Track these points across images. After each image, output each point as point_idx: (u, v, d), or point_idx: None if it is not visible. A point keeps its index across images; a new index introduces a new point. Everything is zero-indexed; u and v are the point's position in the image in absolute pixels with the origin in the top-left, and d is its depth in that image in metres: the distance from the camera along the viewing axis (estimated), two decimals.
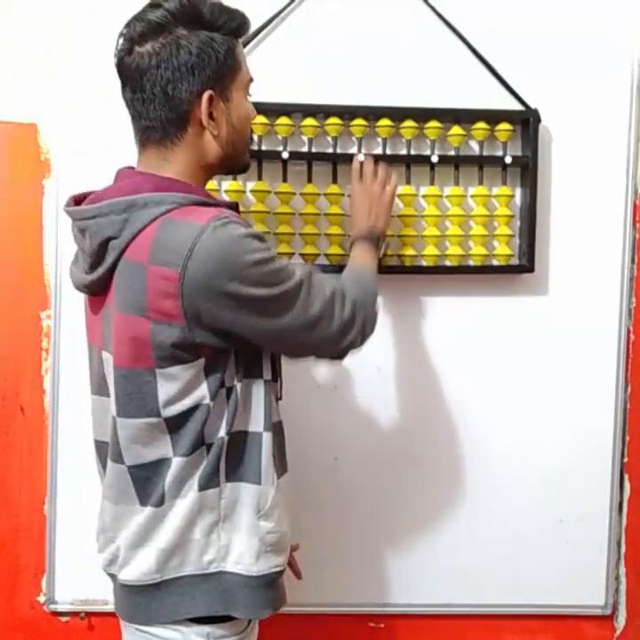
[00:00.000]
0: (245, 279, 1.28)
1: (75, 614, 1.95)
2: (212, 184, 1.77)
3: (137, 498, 1.40)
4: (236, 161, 1.47)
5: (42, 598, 1.94)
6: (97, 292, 1.40)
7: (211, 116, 1.37)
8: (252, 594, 1.42)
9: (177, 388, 1.33)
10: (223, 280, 1.27)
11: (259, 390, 1.41)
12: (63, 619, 1.95)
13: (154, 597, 1.41)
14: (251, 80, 1.44)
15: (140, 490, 1.40)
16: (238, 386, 1.37)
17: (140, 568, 1.40)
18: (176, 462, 1.37)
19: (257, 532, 1.41)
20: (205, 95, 1.35)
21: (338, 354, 1.47)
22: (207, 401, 1.34)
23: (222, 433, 1.36)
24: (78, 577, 1.91)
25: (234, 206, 1.46)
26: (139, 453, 1.38)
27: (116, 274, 1.34)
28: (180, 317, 1.28)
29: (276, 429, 1.46)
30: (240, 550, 1.41)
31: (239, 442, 1.39)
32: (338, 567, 1.97)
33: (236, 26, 1.39)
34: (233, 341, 1.34)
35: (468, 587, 2.00)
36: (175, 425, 1.35)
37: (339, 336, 1.42)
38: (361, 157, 1.79)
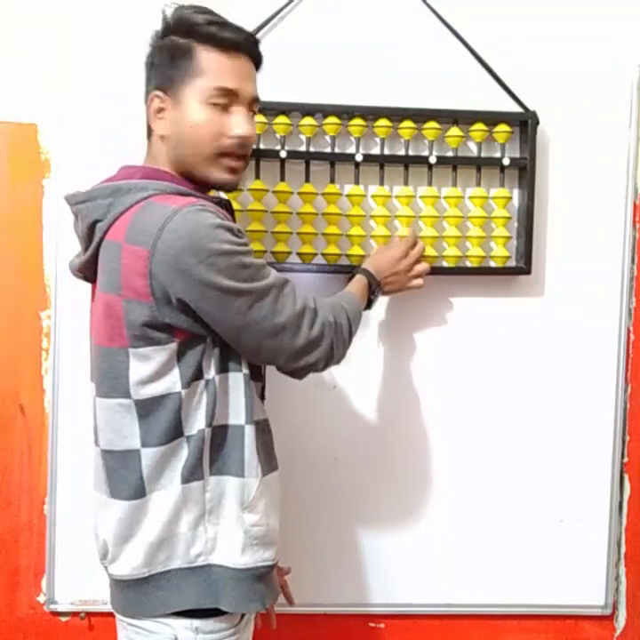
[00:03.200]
0: (212, 266, 1.30)
1: (75, 614, 1.95)
2: None
3: (107, 487, 1.43)
4: (189, 169, 1.44)
5: (42, 598, 1.94)
6: (89, 276, 1.46)
7: (158, 115, 1.44)
8: (239, 587, 1.42)
9: (149, 370, 1.35)
10: (190, 261, 1.29)
11: (237, 383, 1.41)
12: (63, 619, 1.95)
13: (142, 591, 1.42)
14: (218, 88, 1.40)
15: (109, 480, 1.42)
16: (216, 378, 1.38)
17: (128, 563, 1.41)
18: (147, 453, 1.38)
19: (242, 524, 1.42)
20: (152, 94, 1.44)
21: (295, 371, 1.45)
22: (178, 388, 1.36)
23: (202, 425, 1.38)
24: (78, 577, 1.91)
25: (224, 204, 1.47)
26: (109, 438, 1.42)
27: (99, 255, 1.39)
28: (148, 296, 1.32)
29: (261, 426, 1.46)
30: (226, 543, 1.42)
31: (221, 435, 1.41)
32: (338, 567, 1.97)
33: (203, 32, 1.41)
34: (201, 326, 1.35)
35: (467, 587, 2.00)
36: (145, 410, 1.37)
37: (299, 352, 1.41)
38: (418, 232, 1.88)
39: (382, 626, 2.02)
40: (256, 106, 1.49)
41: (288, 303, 1.38)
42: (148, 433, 1.38)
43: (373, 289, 1.70)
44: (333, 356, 1.47)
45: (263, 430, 1.47)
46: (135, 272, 1.32)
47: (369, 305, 1.71)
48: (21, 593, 1.95)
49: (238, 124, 1.42)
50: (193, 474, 1.39)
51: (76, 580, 1.92)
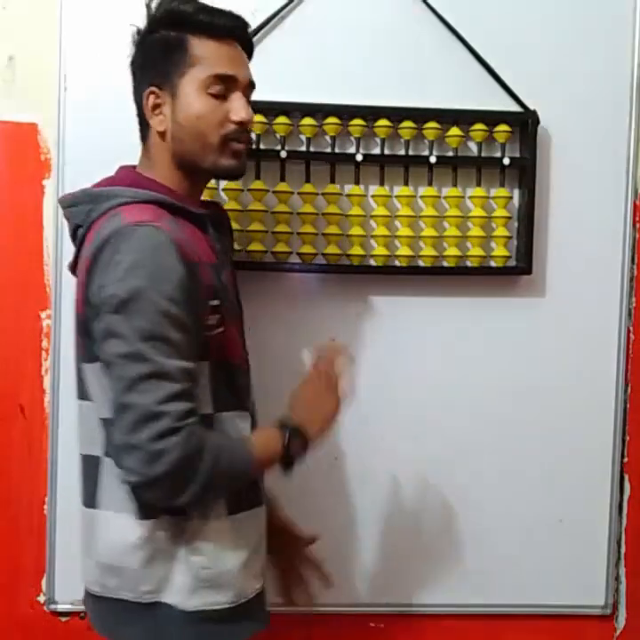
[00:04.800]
0: (110, 280, 1.27)
1: (75, 614, 1.94)
2: (210, 182, 1.78)
3: (82, 491, 1.45)
4: (194, 161, 1.42)
5: (42, 598, 1.94)
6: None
7: (155, 111, 1.42)
8: (187, 629, 1.39)
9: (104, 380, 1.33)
10: (100, 270, 1.29)
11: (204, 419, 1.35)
12: (63, 619, 1.95)
13: (98, 608, 1.45)
14: (216, 76, 1.39)
15: (83, 485, 1.44)
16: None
17: (87, 574, 1.45)
18: (106, 463, 1.36)
19: (190, 566, 1.39)
20: (147, 91, 1.42)
21: (121, 468, 1.28)
22: None
23: None
24: (78, 577, 1.88)
25: (208, 215, 1.45)
26: (82, 441, 1.44)
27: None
28: (81, 307, 1.35)
29: None
30: (177, 583, 1.39)
31: None
32: (338, 567, 1.96)
33: (194, 21, 1.40)
34: None
35: (468, 587, 2.00)
36: (108, 420, 1.33)
37: (123, 449, 1.25)
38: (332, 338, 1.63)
39: (382, 626, 2.02)
40: (251, 90, 1.48)
41: (149, 394, 1.23)
42: (108, 444, 1.36)
43: (288, 435, 1.39)
44: (173, 493, 1.27)
45: None
46: (79, 282, 1.35)
47: (289, 459, 1.40)
48: (21, 593, 1.95)
49: (238, 109, 1.41)
50: (148, 510, 1.36)
51: (76, 580, 1.89)
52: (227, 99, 1.41)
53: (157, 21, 1.42)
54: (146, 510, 1.36)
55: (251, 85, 1.46)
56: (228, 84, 1.40)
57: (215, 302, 1.36)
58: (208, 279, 1.36)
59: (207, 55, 1.39)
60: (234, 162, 1.43)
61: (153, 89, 1.42)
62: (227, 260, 1.51)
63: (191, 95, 1.39)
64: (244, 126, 1.42)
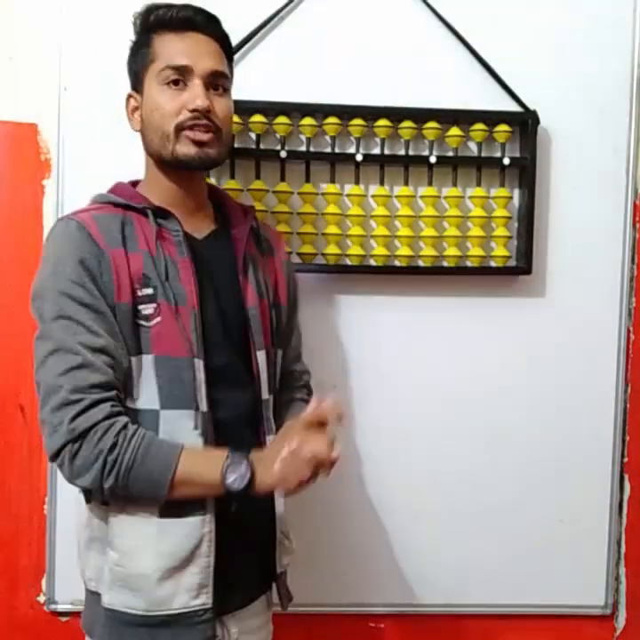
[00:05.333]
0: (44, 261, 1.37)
1: (75, 614, 1.94)
2: (210, 182, 1.78)
3: None
4: (159, 154, 1.42)
5: (42, 598, 1.94)
6: None
7: (134, 114, 1.48)
8: (106, 625, 1.38)
9: None
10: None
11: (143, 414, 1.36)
12: (63, 619, 1.95)
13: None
14: (169, 67, 1.40)
15: None
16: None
17: None
18: None
19: (106, 561, 1.38)
20: (126, 95, 1.48)
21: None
22: None
23: None
24: (78, 577, 1.89)
25: (150, 209, 1.42)
26: None
27: None
28: None
29: None
30: (105, 576, 1.38)
31: None
32: (338, 567, 1.97)
33: (153, 20, 1.43)
34: None
35: (468, 587, 2.00)
36: None
37: (42, 424, 1.30)
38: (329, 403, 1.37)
39: (382, 626, 2.02)
40: (223, 80, 1.45)
41: (50, 369, 1.29)
42: None
43: (229, 463, 1.30)
44: (71, 471, 1.29)
45: None
46: None
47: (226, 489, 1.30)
48: (21, 593, 1.95)
49: (192, 97, 1.39)
50: (87, 494, 1.39)
51: (75, 580, 1.89)
52: (186, 89, 1.41)
53: (135, 29, 1.46)
54: (84, 494, 1.39)
55: (217, 74, 1.43)
56: (185, 75, 1.40)
57: (148, 291, 1.36)
58: (136, 266, 1.36)
59: (163, 48, 1.41)
60: (193, 149, 1.40)
61: (130, 92, 1.47)
62: (188, 256, 1.42)
63: (151, 89, 1.42)
64: (201, 113, 1.39)
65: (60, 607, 1.93)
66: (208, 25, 1.44)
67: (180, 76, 1.40)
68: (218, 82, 1.43)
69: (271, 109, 1.81)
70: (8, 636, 1.95)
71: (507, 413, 1.98)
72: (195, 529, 1.36)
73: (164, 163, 1.43)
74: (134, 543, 1.35)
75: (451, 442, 1.97)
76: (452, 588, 2.00)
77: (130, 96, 1.47)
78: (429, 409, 1.96)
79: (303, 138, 1.86)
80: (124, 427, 1.29)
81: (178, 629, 1.36)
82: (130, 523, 1.35)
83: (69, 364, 1.28)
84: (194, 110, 1.38)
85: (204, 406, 1.38)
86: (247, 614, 1.48)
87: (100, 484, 1.28)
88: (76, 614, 1.93)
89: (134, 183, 1.51)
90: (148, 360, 1.35)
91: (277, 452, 1.30)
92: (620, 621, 2.07)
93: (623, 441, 2.02)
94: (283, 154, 1.83)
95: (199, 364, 1.38)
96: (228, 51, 1.50)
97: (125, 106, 1.48)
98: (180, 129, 1.39)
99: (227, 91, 1.46)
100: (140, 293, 1.36)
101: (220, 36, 1.47)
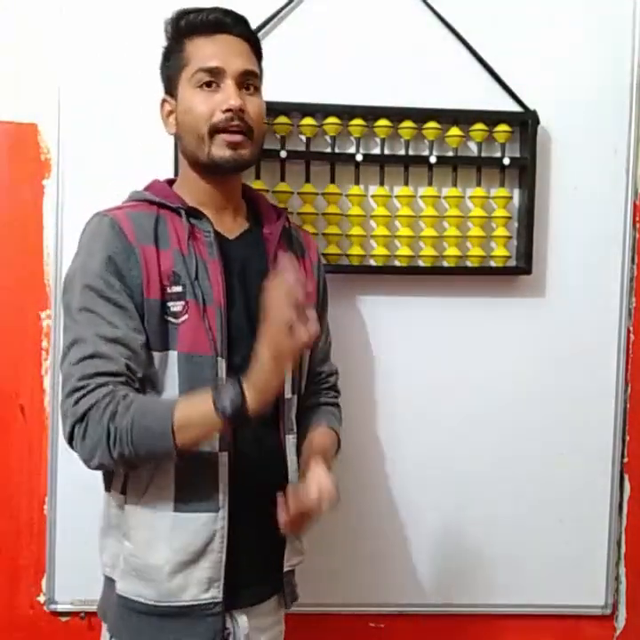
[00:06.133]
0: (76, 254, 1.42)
1: (75, 614, 1.94)
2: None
3: None
4: (195, 156, 1.45)
5: (42, 598, 1.94)
6: None
7: (169, 118, 1.50)
8: (118, 611, 1.43)
9: None
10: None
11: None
12: (63, 619, 1.95)
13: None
14: (202, 69, 1.43)
15: None
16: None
17: None
18: None
19: (122, 549, 1.42)
20: (160, 100, 1.51)
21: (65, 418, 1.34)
22: None
23: None
24: (78, 577, 1.90)
25: (185, 209, 1.45)
26: None
27: None
28: None
29: (188, 458, 1.35)
30: (120, 564, 1.42)
31: None
32: (338, 567, 1.97)
33: (184, 25, 1.46)
34: None
35: (467, 587, 2.00)
36: None
37: (62, 405, 1.35)
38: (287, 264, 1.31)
39: (382, 626, 2.02)
40: (254, 79, 1.48)
41: (67, 360, 1.35)
42: None
43: (217, 391, 1.29)
44: (87, 451, 1.32)
45: (190, 463, 1.36)
46: None
47: (228, 416, 1.27)
48: (21, 593, 1.95)
49: (225, 97, 1.41)
50: (108, 484, 1.45)
51: (75, 580, 1.91)
52: (219, 90, 1.43)
53: (166, 34, 1.49)
54: (104, 482, 1.45)
55: (248, 74, 1.46)
56: (217, 76, 1.43)
57: (177, 288, 1.39)
58: (167, 264, 1.40)
59: (196, 52, 1.44)
60: (228, 152, 1.43)
61: (165, 97, 1.50)
62: (219, 257, 1.44)
63: (185, 93, 1.45)
64: (234, 114, 1.41)
65: (60, 607, 1.93)
66: (237, 26, 1.47)
67: (213, 78, 1.42)
68: (249, 81, 1.46)
69: (271, 109, 1.79)
70: (8, 636, 1.95)
71: (507, 413, 1.98)
72: (208, 525, 1.38)
73: (200, 165, 1.46)
74: (149, 535, 1.38)
75: (450, 442, 1.97)
76: (452, 588, 2.00)
77: (164, 100, 1.50)
78: (429, 409, 1.96)
79: (303, 138, 1.86)
80: (123, 397, 1.31)
81: (187, 621, 1.38)
82: (145, 515, 1.39)
83: (82, 354, 1.32)
84: (227, 110, 1.41)
85: None
86: (258, 612, 1.49)
87: (110, 455, 1.30)
88: (76, 614, 1.94)
89: (171, 182, 1.54)
90: (173, 356, 1.39)
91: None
92: (620, 621, 2.07)
93: (623, 441, 2.02)
94: (283, 154, 1.83)
95: (222, 363, 1.40)
96: (258, 50, 1.53)
97: (160, 110, 1.51)
98: (214, 131, 1.42)
99: (258, 89, 1.49)
100: (169, 290, 1.39)
101: (250, 36, 1.50)
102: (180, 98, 1.46)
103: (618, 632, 2.07)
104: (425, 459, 1.97)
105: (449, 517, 1.98)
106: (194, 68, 1.43)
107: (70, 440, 1.33)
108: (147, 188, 1.50)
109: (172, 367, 1.39)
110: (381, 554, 1.98)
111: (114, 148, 1.79)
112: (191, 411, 1.31)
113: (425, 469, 1.97)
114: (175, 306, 1.39)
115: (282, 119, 1.82)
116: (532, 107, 1.88)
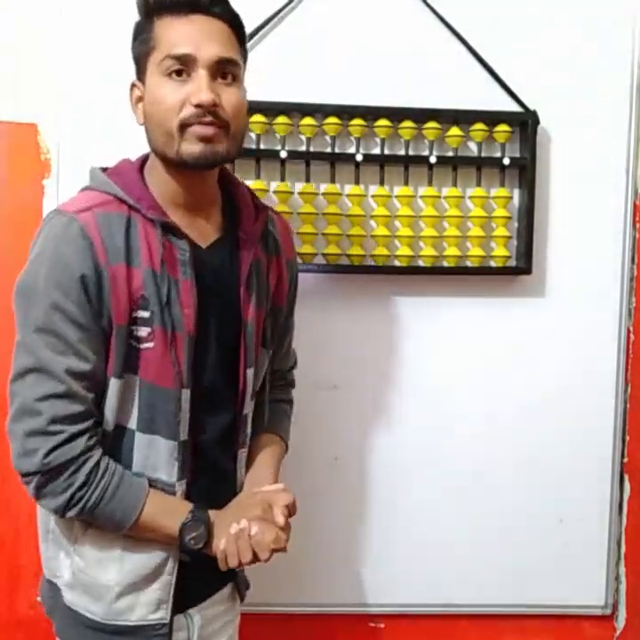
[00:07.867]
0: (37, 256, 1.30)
1: None
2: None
3: None
4: (163, 151, 1.30)
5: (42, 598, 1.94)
6: None
7: (137, 105, 1.34)
8: (65, 618, 1.39)
9: None
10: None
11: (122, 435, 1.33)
12: None
13: None
14: (170, 56, 1.26)
15: None
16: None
17: None
18: None
19: (71, 564, 1.36)
20: (130, 85, 1.35)
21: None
22: None
23: None
24: None
25: (167, 223, 1.32)
26: None
27: None
28: None
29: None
30: (64, 573, 1.38)
31: None
32: (338, 567, 1.97)
33: (152, 3, 1.29)
34: None
35: (467, 587, 2.00)
36: None
37: (7, 433, 1.27)
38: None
39: (382, 626, 2.02)
40: (232, 68, 1.30)
41: (30, 388, 1.24)
42: None
43: (189, 521, 1.30)
44: (37, 493, 1.28)
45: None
46: None
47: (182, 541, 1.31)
48: (21, 593, 1.95)
49: (195, 90, 1.25)
50: None
51: None
52: (190, 79, 1.27)
53: (138, 11, 1.32)
54: None
55: (225, 62, 1.28)
56: (188, 64, 1.26)
57: (144, 314, 1.29)
58: (136, 285, 1.28)
59: (165, 34, 1.27)
60: (199, 147, 1.27)
61: (134, 81, 1.34)
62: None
63: (153, 80, 1.28)
64: (205, 109, 1.25)
65: None
66: (215, 4, 1.28)
67: (183, 66, 1.25)
68: (226, 69, 1.29)
69: (271, 109, 1.81)
70: (8, 636, 1.94)
71: (507, 413, 1.98)
72: (160, 548, 1.34)
73: (169, 160, 1.30)
74: (100, 555, 1.34)
75: (449, 442, 1.97)
76: (452, 588, 2.00)
77: (133, 85, 1.34)
78: (428, 409, 1.96)
79: (303, 138, 1.86)
80: (96, 464, 1.27)
81: (134, 639, 1.35)
82: (97, 535, 1.34)
83: (51, 391, 1.23)
84: (198, 105, 1.25)
85: (184, 435, 1.34)
86: (209, 603, 1.46)
87: (63, 513, 1.27)
88: None
89: (142, 162, 1.39)
90: (134, 381, 1.30)
91: (234, 520, 1.30)
92: (620, 621, 2.07)
93: (623, 441, 2.02)
94: (283, 154, 1.83)
95: (186, 394, 1.33)
96: (239, 33, 1.33)
97: (129, 96, 1.35)
98: (184, 125, 1.26)
99: (236, 79, 1.31)
100: (135, 314, 1.28)
101: (229, 17, 1.31)
102: (147, 85, 1.29)
103: (618, 632, 2.07)
104: (423, 458, 1.97)
105: (448, 517, 1.98)
106: (162, 53, 1.26)
107: (23, 475, 1.27)
108: (114, 173, 1.34)
109: (133, 392, 1.30)
110: (381, 554, 1.98)
111: (114, 148, 1.78)
112: (157, 519, 1.30)
113: (424, 469, 1.97)
114: (140, 331, 1.29)
115: (282, 119, 1.82)
116: (532, 107, 1.88)
